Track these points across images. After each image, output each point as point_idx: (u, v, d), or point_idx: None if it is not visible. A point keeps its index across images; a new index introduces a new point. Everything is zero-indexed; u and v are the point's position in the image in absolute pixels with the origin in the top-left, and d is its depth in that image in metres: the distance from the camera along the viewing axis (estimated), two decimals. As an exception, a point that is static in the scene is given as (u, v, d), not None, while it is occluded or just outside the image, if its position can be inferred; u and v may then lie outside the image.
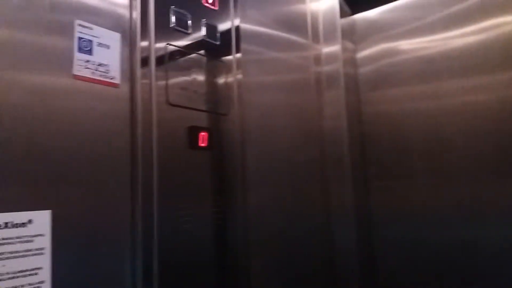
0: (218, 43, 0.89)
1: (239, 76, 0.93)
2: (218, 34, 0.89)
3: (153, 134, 0.74)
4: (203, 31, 0.85)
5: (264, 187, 0.98)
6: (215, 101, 0.86)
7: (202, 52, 0.85)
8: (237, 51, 0.93)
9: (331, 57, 1.32)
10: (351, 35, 1.40)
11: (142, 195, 0.71)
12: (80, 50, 0.67)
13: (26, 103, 0.61)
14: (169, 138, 0.76)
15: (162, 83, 0.76)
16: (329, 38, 1.33)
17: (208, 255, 0.80)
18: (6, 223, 0.58)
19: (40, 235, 0.61)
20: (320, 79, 1.31)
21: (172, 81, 0.78)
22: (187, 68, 0.81)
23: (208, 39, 0.86)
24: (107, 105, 0.71)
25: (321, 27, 1.35)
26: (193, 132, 0.80)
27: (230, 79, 0.90)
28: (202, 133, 0.81)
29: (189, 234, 0.76)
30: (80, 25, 0.68)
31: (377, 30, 1.35)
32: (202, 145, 0.81)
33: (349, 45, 1.40)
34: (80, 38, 0.67)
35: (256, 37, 1.04)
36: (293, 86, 1.17)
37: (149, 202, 0.72)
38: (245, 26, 0.99)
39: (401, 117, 1.27)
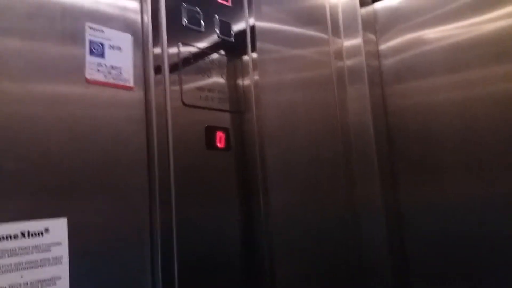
0: (232, 40, 0.86)
1: (256, 77, 0.90)
2: (232, 31, 0.86)
3: (168, 136, 0.72)
4: (217, 29, 0.83)
5: (287, 187, 0.95)
6: (232, 100, 0.83)
7: (216, 50, 0.82)
8: (253, 50, 0.90)
9: (353, 51, 1.27)
10: (373, 26, 1.34)
11: (159, 198, 0.70)
12: (92, 53, 0.66)
13: (39, 112, 0.60)
14: (185, 139, 0.74)
15: (176, 83, 0.75)
16: (350, 31, 1.28)
17: (230, 259, 0.78)
18: (23, 233, 0.57)
19: (57, 243, 0.60)
20: (342, 74, 1.26)
21: (187, 81, 0.76)
22: (201, 68, 0.79)
23: (222, 36, 0.84)
24: (121, 109, 0.69)
25: (341, 20, 1.30)
26: (210, 132, 0.77)
27: (247, 78, 0.88)
28: (220, 133, 0.79)
29: (210, 238, 0.74)
30: (91, 28, 0.66)
31: (400, 19, 1.28)
32: (220, 145, 0.79)
33: (371, 36, 1.34)
34: (91, 41, 0.66)
35: (272, 35, 1.01)
36: (314, 83, 1.13)
37: (167, 205, 0.70)
38: (260, 24, 0.96)
39: (430, 109, 1.21)
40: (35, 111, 0.60)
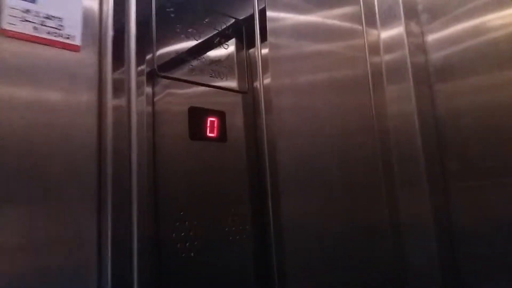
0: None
1: (265, 50, 0.68)
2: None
3: (131, 120, 0.49)
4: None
5: (307, 192, 0.73)
6: (232, 74, 0.60)
7: (209, 5, 0.60)
8: (263, 39, 0.68)
9: (393, 43, 1.07)
10: (417, 13, 1.12)
11: (112, 210, 0.46)
12: (16, -5, 0.46)
13: None
14: (157, 126, 0.52)
15: (146, 44, 0.52)
16: (389, 20, 1.08)
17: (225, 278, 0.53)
18: None
19: None
20: (379, 71, 1.05)
21: (163, 42, 0.54)
22: (186, 27, 0.56)
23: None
24: (60, 78, 0.47)
25: (376, 7, 1.09)
26: (196, 116, 0.54)
27: (253, 49, 0.65)
28: (212, 118, 0.56)
29: (191, 263, 0.50)
30: (15, -41, 0.46)
31: (452, 4, 1.06)
32: (211, 135, 0.56)
33: (415, 27, 1.12)
34: (15, -22, 0.46)
35: (288, 27, 0.79)
36: (343, 82, 0.92)
37: (124, 220, 0.47)
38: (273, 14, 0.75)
39: (494, 106, 0.96)
40: None
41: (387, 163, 0.95)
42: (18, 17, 0.45)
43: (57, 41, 0.48)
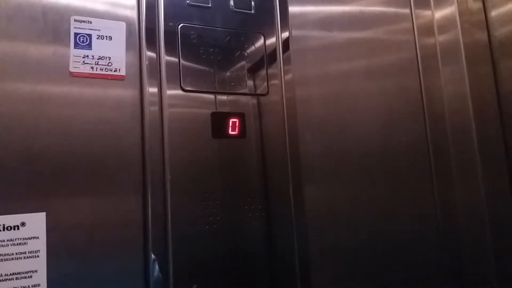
0: (252, 12, 0.75)
1: (289, 77, 0.77)
2: (252, 2, 0.75)
3: (164, 128, 0.66)
4: (231, 1, 0.74)
5: (335, 179, 0.79)
6: (251, 80, 0.72)
7: (228, 26, 0.73)
8: (283, 22, 0.78)
9: (445, 24, 1.03)
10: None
11: (152, 193, 0.64)
12: (77, 46, 0.64)
13: (22, 109, 0.61)
14: (185, 129, 0.67)
15: (174, 65, 0.68)
16: None
17: (241, 266, 0.65)
18: (-3, 226, 0.56)
19: (34, 237, 0.59)
20: (431, 53, 1.02)
21: (187, 63, 0.68)
22: (208, 48, 0.70)
23: (237, 10, 0.74)
24: (111, 101, 0.65)
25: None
26: (218, 118, 0.68)
27: (273, 59, 0.76)
28: (233, 119, 0.69)
29: (214, 233, 0.64)
30: (76, 20, 0.65)
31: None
32: (233, 133, 0.68)
33: (473, 3, 1.08)
34: (76, 34, 0.65)
35: (313, 20, 0.85)
36: (382, 67, 0.92)
37: (161, 201, 0.64)
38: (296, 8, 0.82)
39: None
40: (17, 108, 0.60)
41: (439, 149, 0.94)
42: (79, 62, 0.64)
43: (108, 74, 0.65)
